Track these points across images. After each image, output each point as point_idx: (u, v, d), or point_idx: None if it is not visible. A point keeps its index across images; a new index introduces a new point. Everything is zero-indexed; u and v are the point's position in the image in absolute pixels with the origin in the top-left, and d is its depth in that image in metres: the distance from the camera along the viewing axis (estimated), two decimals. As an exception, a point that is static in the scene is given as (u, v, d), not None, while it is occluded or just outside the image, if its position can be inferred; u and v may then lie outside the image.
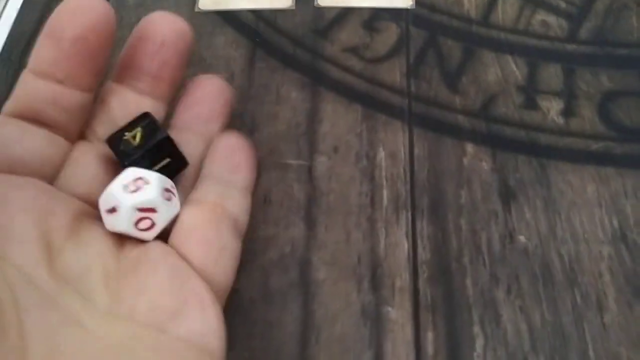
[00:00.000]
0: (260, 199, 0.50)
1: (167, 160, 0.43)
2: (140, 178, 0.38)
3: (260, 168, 0.52)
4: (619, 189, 0.50)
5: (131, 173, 0.39)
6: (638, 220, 0.48)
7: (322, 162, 0.52)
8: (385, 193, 0.51)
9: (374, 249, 0.48)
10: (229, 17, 0.62)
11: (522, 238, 0.48)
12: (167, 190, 0.38)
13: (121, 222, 0.37)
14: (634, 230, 0.48)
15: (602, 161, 0.52)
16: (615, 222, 0.49)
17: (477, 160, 0.52)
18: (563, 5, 0.61)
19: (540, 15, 0.61)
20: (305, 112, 0.55)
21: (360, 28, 0.60)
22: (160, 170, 0.41)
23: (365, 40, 0.60)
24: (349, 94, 0.56)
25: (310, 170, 0.52)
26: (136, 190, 0.37)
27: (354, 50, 0.59)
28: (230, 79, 0.57)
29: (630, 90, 0.56)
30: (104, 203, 0.37)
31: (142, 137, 0.42)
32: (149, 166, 0.41)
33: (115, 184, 0.37)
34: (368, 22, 0.61)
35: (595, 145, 0.53)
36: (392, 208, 0.50)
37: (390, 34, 0.60)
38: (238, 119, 0.55)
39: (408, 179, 0.51)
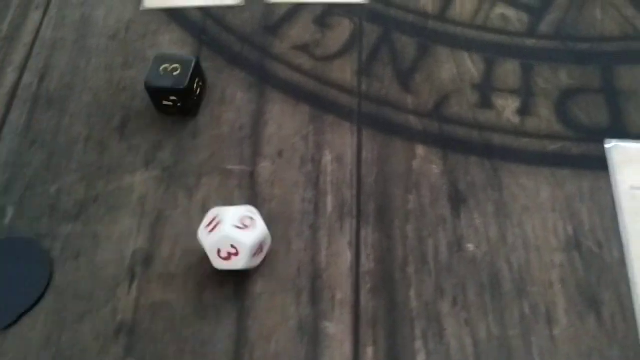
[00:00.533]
0: (198, 206, 0.48)
1: None
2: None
3: (201, 173, 0.49)
4: (575, 192, 0.48)
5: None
6: (594, 226, 0.46)
7: (265, 167, 0.50)
8: (330, 199, 0.48)
9: (315, 259, 0.46)
10: (175, 15, 0.59)
11: (470, 246, 0.46)
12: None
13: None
14: (589, 237, 0.46)
15: (558, 163, 0.49)
16: (569, 228, 0.46)
17: (427, 162, 0.50)
18: (524, -3, 0.59)
19: (500, 9, 0.58)
20: (251, 113, 0.53)
21: (312, 24, 0.58)
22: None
23: (316, 37, 0.57)
24: (297, 94, 0.54)
25: (252, 175, 0.50)
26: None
27: (304, 48, 0.56)
28: (173, 80, 0.55)
29: (589, 87, 0.53)
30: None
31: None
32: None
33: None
34: (320, 18, 0.58)
35: (551, 146, 0.50)
36: (336, 215, 0.47)
37: (342, 30, 0.57)
38: (179, 123, 0.52)
39: (354, 183, 0.49)
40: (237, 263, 0.42)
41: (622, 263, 0.45)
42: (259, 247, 0.43)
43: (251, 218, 0.43)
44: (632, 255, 0.45)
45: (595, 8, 0.57)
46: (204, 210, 0.47)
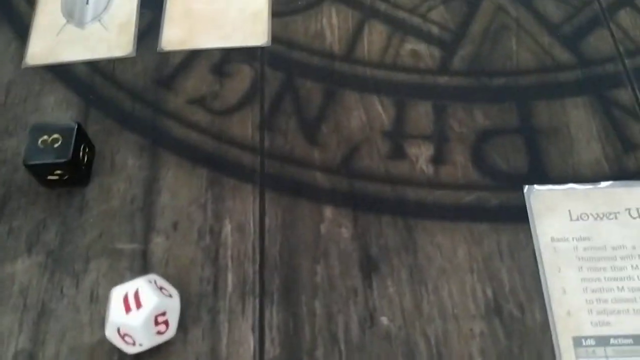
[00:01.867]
0: (86, 295, 0.44)
1: None
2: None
3: (89, 256, 0.45)
4: (494, 249, 0.44)
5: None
6: (515, 287, 0.43)
7: (158, 244, 0.45)
8: (230, 277, 0.44)
9: (215, 349, 0.41)
10: (60, 72, 0.54)
11: (384, 319, 0.42)
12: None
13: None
14: (509, 300, 0.42)
15: (475, 216, 0.46)
16: (488, 291, 0.43)
17: (336, 226, 0.46)
18: (435, 30, 0.55)
19: (410, 44, 0.54)
20: (143, 182, 0.48)
21: (209, 74, 0.53)
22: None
23: (214, 88, 0.53)
24: (194, 156, 0.49)
25: (145, 254, 0.45)
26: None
27: (200, 102, 0.52)
28: (58, 148, 0.50)
29: (506, 127, 0.50)
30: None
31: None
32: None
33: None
34: (218, 66, 0.54)
35: (467, 197, 0.47)
36: (237, 295, 0.43)
37: (242, 79, 0.53)
38: (66, 196, 0.48)
39: (257, 256, 0.45)
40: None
41: (545, 326, 0.41)
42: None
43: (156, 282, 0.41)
44: (554, 317, 0.42)
45: (511, 38, 0.54)
46: (92, 299, 0.43)
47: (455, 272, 0.44)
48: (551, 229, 0.45)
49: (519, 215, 0.46)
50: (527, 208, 0.46)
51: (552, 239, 0.44)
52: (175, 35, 0.55)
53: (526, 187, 0.47)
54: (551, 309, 0.42)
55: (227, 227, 0.46)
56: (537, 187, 0.46)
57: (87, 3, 0.58)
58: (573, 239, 0.44)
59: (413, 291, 0.43)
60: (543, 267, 0.44)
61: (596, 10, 0.55)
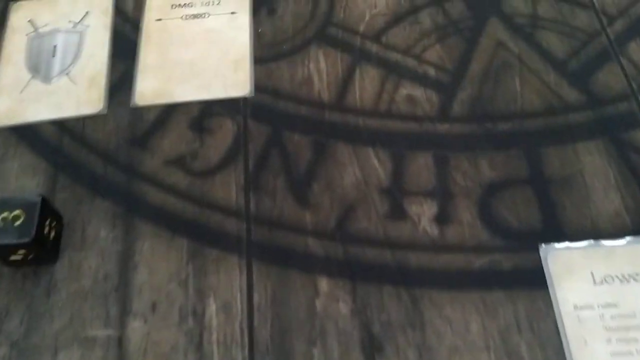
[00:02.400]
0: (55, 394, 0.39)
1: None
2: None
3: (58, 347, 0.40)
4: (511, 321, 0.40)
5: None
6: (535, 363, 0.38)
7: (135, 329, 0.41)
8: (216, 365, 0.39)
9: None
10: (25, 134, 0.50)
11: (391, 410, 0.37)
12: None
13: None
14: (529, 380, 0.38)
15: (488, 283, 0.41)
16: (507, 371, 0.38)
17: (333, 300, 0.41)
18: (432, 72, 0.51)
19: (405, 89, 0.50)
20: (117, 256, 0.43)
21: (188, 130, 0.49)
22: None
23: (193, 146, 0.48)
24: (172, 224, 0.45)
25: (121, 342, 0.40)
26: None
27: (179, 162, 0.47)
28: (23, 221, 0.45)
29: (515, 178, 0.45)
30: None
31: None
32: None
33: None
34: (197, 121, 0.49)
35: (478, 261, 0.42)
36: (225, 386, 0.38)
37: (224, 134, 0.48)
38: (32, 276, 0.43)
39: (246, 340, 0.40)
40: None
41: (574, 410, 0.36)
42: None
43: None
44: (584, 398, 0.37)
45: (514, 77, 0.50)
46: (61, 398, 0.38)
47: (469, 350, 0.39)
48: (573, 294, 0.40)
49: (536, 280, 0.41)
50: (545, 271, 0.41)
51: (575, 307, 0.40)
52: (150, 88, 0.51)
53: (542, 247, 0.42)
54: (579, 389, 0.37)
55: (212, 307, 0.41)
56: (554, 247, 0.42)
57: (53, 55, 0.53)
58: (598, 306, 0.40)
59: (422, 374, 0.38)
60: (567, 340, 0.39)
61: (604, 43, 0.51)
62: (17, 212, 0.42)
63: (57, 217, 0.44)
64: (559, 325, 0.39)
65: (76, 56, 0.53)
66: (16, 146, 0.49)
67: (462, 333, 0.39)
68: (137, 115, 0.50)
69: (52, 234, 0.43)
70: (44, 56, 0.53)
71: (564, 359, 0.38)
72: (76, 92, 0.51)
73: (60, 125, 0.50)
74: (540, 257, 0.42)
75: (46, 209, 0.42)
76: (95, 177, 0.47)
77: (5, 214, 0.41)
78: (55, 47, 0.54)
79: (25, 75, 0.52)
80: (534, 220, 0.43)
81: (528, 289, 0.41)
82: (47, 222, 0.42)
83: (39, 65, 0.53)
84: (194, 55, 0.52)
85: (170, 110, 0.50)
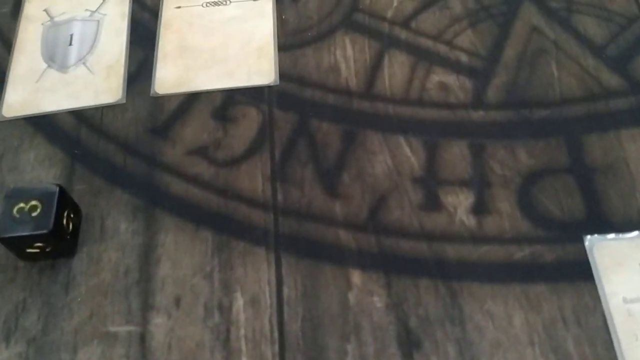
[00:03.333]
0: (75, 393, 0.36)
1: None
2: None
3: (77, 344, 0.38)
4: (556, 315, 0.37)
5: None
6: (585, 359, 0.36)
7: (159, 325, 0.38)
8: (244, 362, 0.37)
9: None
10: (42, 124, 0.48)
11: (432, 409, 0.35)
12: None
13: None
14: (580, 377, 0.35)
15: (530, 275, 0.39)
16: (555, 368, 0.36)
17: (367, 294, 0.39)
18: (464, 58, 0.49)
19: (437, 76, 0.48)
20: (138, 249, 0.41)
21: (211, 119, 0.47)
22: None
23: (216, 135, 0.46)
24: (196, 216, 0.43)
25: (143, 338, 0.38)
26: None
27: (202, 152, 0.45)
28: (39, 213, 0.43)
29: (556, 167, 0.43)
30: None
31: None
32: None
33: None
34: (221, 110, 0.47)
35: (519, 253, 0.40)
36: (254, 385, 0.36)
37: (249, 124, 0.46)
38: (49, 270, 0.41)
39: (276, 335, 0.38)
40: None
41: (627, 409, 0.34)
42: None
43: None
44: (638, 397, 0.34)
45: (550, 63, 0.48)
46: (82, 397, 0.36)
47: (512, 345, 0.37)
48: (622, 287, 0.38)
49: (582, 272, 0.39)
50: (591, 263, 0.39)
51: (625, 300, 0.37)
52: (170, 76, 0.49)
53: (587, 238, 0.40)
54: (632, 387, 0.35)
55: (239, 301, 0.39)
56: (600, 238, 0.39)
57: (70, 44, 0.51)
58: (650, 299, 0.37)
59: (464, 372, 0.36)
60: (617, 336, 0.36)
61: (644, 27, 0.49)
62: (33, 202, 0.40)
63: (75, 209, 0.42)
64: (608, 320, 0.37)
65: (93, 45, 0.51)
66: (32, 137, 0.47)
67: (505, 328, 0.37)
68: (158, 105, 0.48)
69: (70, 226, 0.41)
70: (60, 45, 0.52)
71: (614, 355, 0.36)
72: (94, 82, 0.49)
73: (78, 115, 0.48)
74: (585, 248, 0.40)
75: (64, 199, 0.40)
76: (115, 168, 0.45)
77: (21, 205, 0.40)
78: (71, 36, 0.52)
79: (41, 64, 0.51)
80: (577, 210, 0.41)
81: (573, 282, 0.38)
82: (65, 214, 0.40)
83: (55, 55, 0.51)
84: (216, 43, 0.50)
85: (191, 99, 0.48)
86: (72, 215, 0.41)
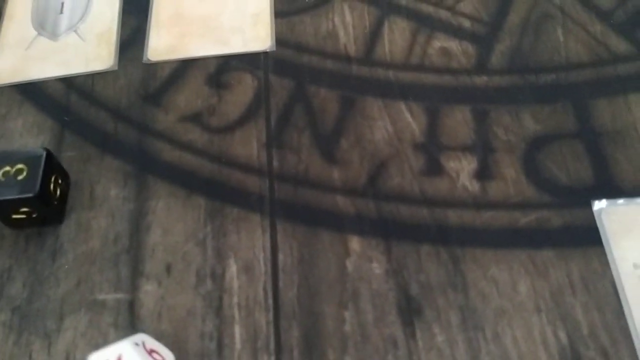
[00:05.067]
0: (60, 361, 0.35)
1: None
2: None
3: (64, 312, 0.36)
4: (563, 282, 0.36)
5: None
6: (594, 327, 0.34)
7: (148, 292, 0.37)
8: (238, 330, 0.35)
9: None
10: (31, 92, 0.46)
11: (433, 377, 0.33)
12: None
13: None
14: (589, 344, 0.34)
15: (536, 241, 0.37)
16: (562, 335, 0.34)
17: (365, 260, 0.37)
18: (467, 23, 0.47)
19: (439, 41, 0.46)
20: (129, 216, 0.40)
21: (205, 86, 0.45)
22: None
23: (211, 101, 0.44)
24: (189, 182, 0.41)
25: (132, 306, 0.37)
26: None
27: (195, 118, 0.44)
28: (27, 180, 0.42)
29: (562, 131, 0.41)
30: None
31: None
32: None
33: None
34: (215, 77, 0.46)
35: (524, 219, 0.38)
36: (248, 353, 0.35)
37: (244, 90, 0.45)
38: (36, 238, 0.39)
39: (270, 302, 0.36)
40: None
41: (638, 377, 0.32)
42: None
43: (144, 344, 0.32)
44: (650, 365, 0.33)
45: (556, 28, 0.46)
46: (68, 365, 0.34)
47: (518, 312, 0.35)
48: (632, 253, 0.36)
49: (590, 238, 0.37)
50: (600, 229, 0.37)
51: (635, 266, 0.36)
52: (163, 44, 0.47)
53: (595, 203, 0.38)
54: (644, 354, 0.33)
55: (232, 268, 0.37)
56: (609, 203, 0.38)
57: (61, 12, 0.50)
58: (661, 264, 0.36)
59: (467, 339, 0.34)
60: (627, 302, 0.35)
61: (653, -8, 0.47)
62: (19, 165, 0.38)
63: (63, 174, 0.40)
64: (618, 286, 0.35)
65: (85, 13, 0.50)
66: (20, 104, 0.46)
67: (510, 294, 0.35)
68: (150, 71, 0.46)
69: (58, 191, 0.40)
70: (50, 13, 0.50)
71: (624, 321, 0.34)
72: (85, 49, 0.48)
73: (68, 82, 0.46)
74: (593, 213, 0.38)
75: (51, 164, 0.39)
76: (105, 135, 0.44)
77: (7, 168, 0.38)
78: (62, 4, 0.50)
79: (31, 32, 0.49)
80: (585, 175, 0.39)
81: (581, 248, 0.37)
82: (52, 178, 0.39)
83: (46, 23, 0.50)
84: (210, 9, 0.49)
85: (185, 66, 0.46)
86: (59, 181, 0.40)
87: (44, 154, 0.39)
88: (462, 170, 0.40)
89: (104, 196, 0.41)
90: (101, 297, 0.37)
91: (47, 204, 0.38)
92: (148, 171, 0.42)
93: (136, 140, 0.43)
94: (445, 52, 0.46)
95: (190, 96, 0.45)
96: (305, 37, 0.47)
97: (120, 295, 0.37)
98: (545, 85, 0.44)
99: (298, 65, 0.46)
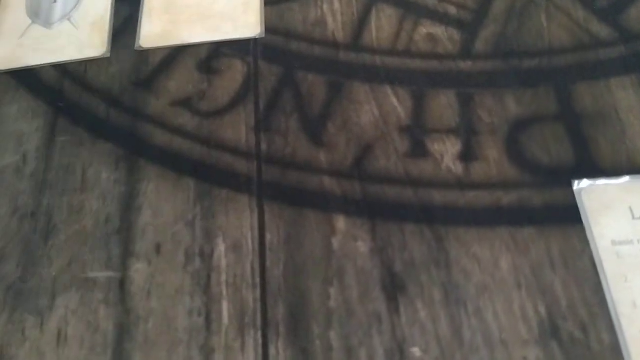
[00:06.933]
0: (52, 337, 0.36)
1: None
2: None
3: (56, 290, 0.37)
4: (543, 258, 0.37)
5: None
6: (573, 302, 0.35)
7: (139, 271, 0.38)
8: (225, 307, 0.36)
9: (210, 397, 0.33)
10: (25, 78, 0.47)
11: (416, 350, 0.34)
12: None
13: None
14: (568, 318, 0.35)
15: (518, 219, 0.38)
16: (542, 310, 0.35)
17: (351, 239, 0.38)
18: (453, 10, 0.48)
19: (425, 28, 0.47)
20: (120, 198, 0.41)
21: (195, 71, 0.46)
22: None
23: (201, 87, 0.45)
24: (179, 165, 0.42)
25: (122, 284, 0.37)
26: None
27: (186, 103, 0.45)
28: (21, 164, 0.43)
29: (544, 114, 0.42)
30: None
31: None
32: None
33: None
34: (205, 63, 0.47)
35: (506, 198, 0.39)
36: (235, 328, 0.36)
37: (233, 75, 0.46)
38: (27, 220, 0.40)
39: (257, 281, 0.37)
40: None
41: (615, 349, 0.33)
42: None
43: None
44: (625, 338, 0.34)
45: (540, 14, 0.47)
46: (59, 341, 0.35)
47: (499, 288, 0.36)
48: (611, 230, 0.37)
49: (570, 216, 0.38)
50: (580, 207, 0.38)
51: (614, 243, 0.37)
52: (156, 31, 0.48)
53: (576, 183, 0.39)
54: (621, 327, 0.34)
55: (221, 247, 0.38)
56: (589, 182, 0.39)
57: (55, 1, 0.51)
58: (639, 241, 0.36)
59: (450, 315, 0.35)
60: (606, 277, 0.36)
61: (636, -21, 0.48)
62: None
63: None
64: (597, 262, 0.36)
65: (78, 2, 0.51)
66: (15, 90, 0.46)
67: (491, 270, 0.36)
68: (142, 58, 0.47)
69: None
70: (44, 2, 0.51)
71: (602, 296, 0.35)
72: (78, 37, 0.49)
73: (62, 69, 0.47)
74: (573, 193, 0.39)
75: None
76: (98, 120, 0.45)
77: None
78: (56, -7, 0.51)
79: (25, 20, 0.50)
80: (566, 156, 0.40)
81: (561, 226, 0.38)
82: None
83: (39, 11, 0.50)
84: (202, -2, 0.50)
85: (176, 53, 0.47)
86: None
87: None
88: (447, 152, 0.41)
89: (96, 179, 0.42)
90: (92, 275, 0.38)
91: None
92: (139, 154, 0.42)
93: (128, 124, 0.44)
94: (431, 37, 0.46)
95: (181, 82, 0.46)
96: (294, 24, 0.48)
97: (111, 274, 0.38)
98: (529, 70, 0.44)
99: (287, 51, 0.47)
